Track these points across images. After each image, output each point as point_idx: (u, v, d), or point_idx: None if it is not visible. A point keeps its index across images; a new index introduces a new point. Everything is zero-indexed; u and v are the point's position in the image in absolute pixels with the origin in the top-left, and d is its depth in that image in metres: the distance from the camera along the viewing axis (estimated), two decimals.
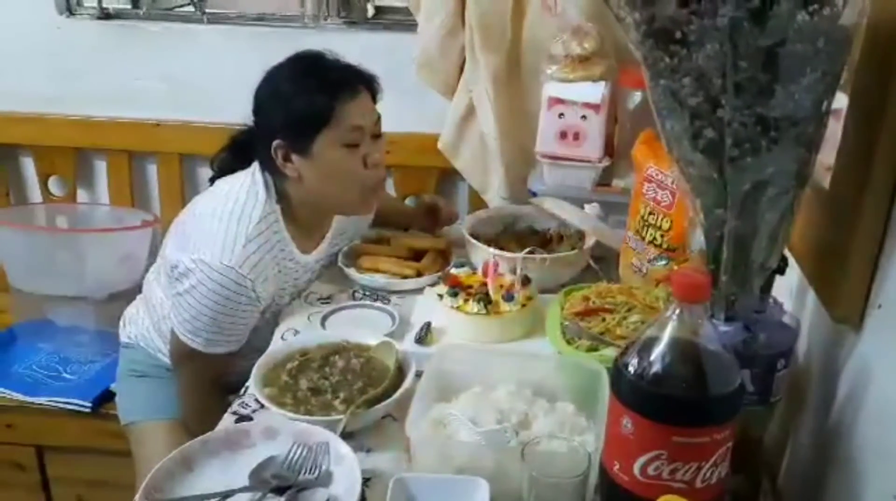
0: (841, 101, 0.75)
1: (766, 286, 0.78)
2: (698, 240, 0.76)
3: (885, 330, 0.70)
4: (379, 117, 1.33)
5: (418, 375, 1.00)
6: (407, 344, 1.15)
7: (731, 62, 0.60)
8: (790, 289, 0.92)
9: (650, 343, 0.69)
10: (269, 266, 1.27)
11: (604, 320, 1.13)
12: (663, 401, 0.67)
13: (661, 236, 1.22)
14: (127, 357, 1.51)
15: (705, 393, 0.67)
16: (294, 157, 1.28)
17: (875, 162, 0.67)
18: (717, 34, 0.59)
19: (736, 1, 0.58)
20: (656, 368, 0.68)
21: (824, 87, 0.64)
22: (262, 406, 0.99)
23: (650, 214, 1.24)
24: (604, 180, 1.61)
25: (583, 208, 1.52)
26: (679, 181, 0.72)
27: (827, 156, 0.80)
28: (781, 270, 0.77)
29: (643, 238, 1.26)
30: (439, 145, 1.93)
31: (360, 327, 1.19)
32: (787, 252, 0.85)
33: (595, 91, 1.56)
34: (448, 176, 2.07)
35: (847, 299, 0.73)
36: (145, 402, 1.46)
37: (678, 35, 0.62)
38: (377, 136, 1.32)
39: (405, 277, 1.37)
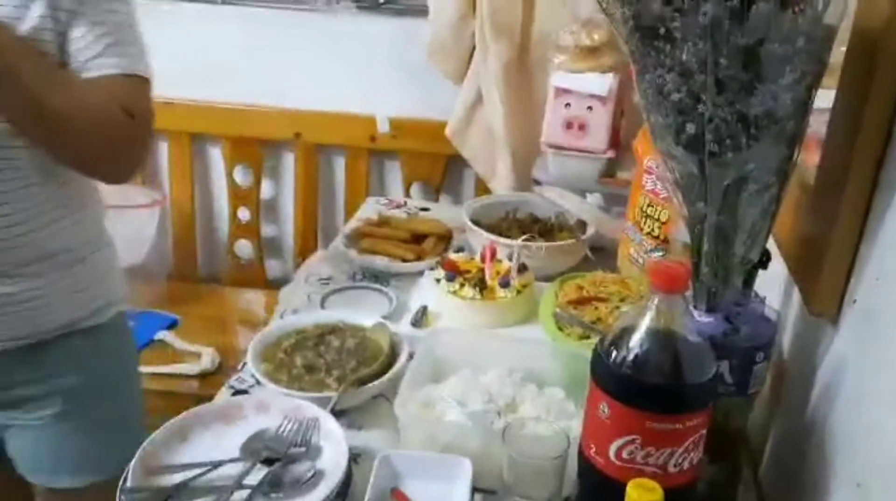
0: (828, 98, 0.77)
1: (749, 280, 0.79)
2: (682, 232, 0.77)
3: (860, 325, 0.71)
4: None
5: (412, 357, 1.02)
6: (403, 327, 1.17)
7: (713, 59, 0.61)
8: (778, 284, 0.93)
9: (629, 331, 0.71)
10: None
11: (596, 309, 1.15)
12: (638, 387, 0.69)
13: (659, 227, 1.23)
14: None
15: (679, 381, 0.69)
16: None
17: (854, 160, 0.69)
18: (699, 31, 0.61)
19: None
20: (633, 355, 0.70)
21: (805, 85, 0.65)
22: (259, 382, 1.02)
23: (649, 205, 1.25)
24: (609, 172, 1.63)
25: (585, 197, 1.54)
26: (663, 174, 0.74)
27: (815, 153, 0.81)
28: (764, 264, 0.79)
29: (641, 229, 1.27)
30: (447, 133, 1.95)
31: (358, 308, 1.22)
32: (774, 247, 0.87)
33: (602, 83, 1.57)
34: (455, 163, 2.09)
35: (824, 293, 0.74)
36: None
37: (663, 31, 0.64)
38: None
39: (405, 260, 1.39)
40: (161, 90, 2.23)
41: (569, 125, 1.59)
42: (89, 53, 1.01)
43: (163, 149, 2.16)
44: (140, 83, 1.07)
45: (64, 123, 0.98)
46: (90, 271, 1.16)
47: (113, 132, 1.03)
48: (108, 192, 2.07)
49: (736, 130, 0.65)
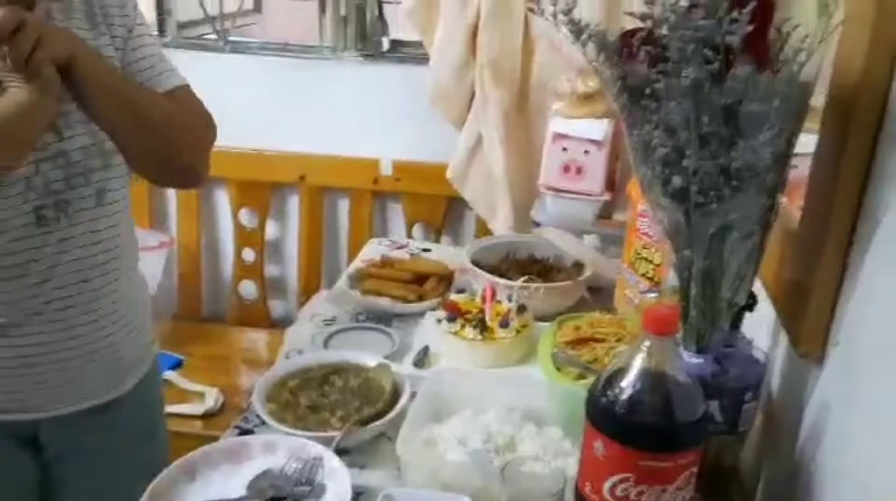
0: (813, 143, 0.81)
1: (737, 322, 0.83)
2: (672, 277, 0.81)
3: (843, 366, 0.74)
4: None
5: (414, 396, 1.05)
6: (405, 367, 1.20)
7: (695, 117, 0.66)
8: (767, 325, 0.96)
9: (622, 372, 0.75)
10: None
11: (593, 349, 1.18)
12: (631, 427, 0.72)
13: (653, 269, 1.27)
14: None
15: (671, 421, 0.72)
16: None
17: (834, 208, 0.73)
18: (682, 92, 0.65)
19: (698, 63, 0.64)
20: (627, 395, 0.73)
21: (783, 139, 0.69)
22: (264, 422, 1.05)
23: (644, 247, 1.29)
24: (605, 213, 1.67)
25: (582, 239, 1.58)
26: (653, 222, 0.78)
27: (799, 196, 0.85)
28: (750, 307, 0.82)
29: (636, 271, 1.31)
30: (448, 175, 2.00)
31: (362, 348, 1.25)
32: (762, 290, 0.91)
33: (598, 128, 1.63)
34: (456, 204, 2.14)
35: (809, 335, 0.77)
36: None
37: (649, 91, 0.68)
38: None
39: (407, 301, 1.43)
40: None
41: (566, 169, 1.64)
42: (152, 72, 1.11)
43: (171, 192, 2.21)
44: (192, 91, 1.17)
45: (158, 130, 1.07)
46: (141, 307, 1.22)
47: (197, 136, 1.14)
48: None
49: (719, 183, 0.69)
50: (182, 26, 2.25)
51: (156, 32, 2.19)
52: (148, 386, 1.24)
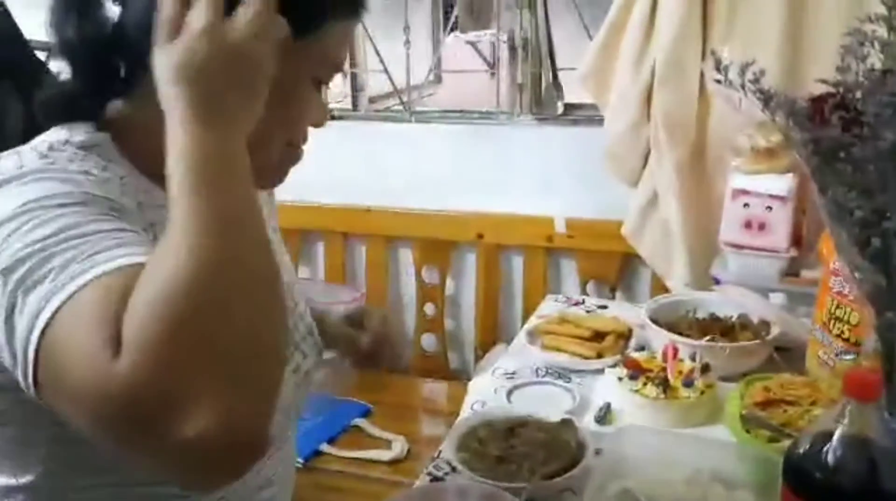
0: None
1: None
2: (873, 339, 0.79)
3: None
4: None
5: (597, 453, 1.07)
6: (587, 423, 1.23)
7: (894, 180, 0.65)
8: None
9: (822, 436, 0.73)
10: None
11: (786, 411, 1.14)
12: (835, 494, 0.71)
13: (849, 329, 1.22)
14: None
15: (876, 488, 0.70)
16: None
17: None
18: (880, 155, 0.66)
19: None
20: (828, 461, 0.72)
21: None
22: (454, 470, 1.11)
23: (837, 307, 1.24)
24: (792, 271, 1.62)
25: (768, 298, 1.54)
26: (850, 283, 0.77)
27: None
28: None
29: (830, 331, 1.25)
30: (623, 231, 2.02)
31: (543, 402, 1.29)
32: None
33: (781, 183, 1.60)
34: (631, 261, 2.14)
35: None
36: None
37: (843, 155, 0.69)
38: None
39: (586, 357, 1.45)
40: (359, 199, 2.50)
41: (748, 225, 1.62)
42: None
43: (361, 251, 2.40)
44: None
45: None
46: None
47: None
48: (318, 290, 2.31)
49: None
50: (372, 100, 2.47)
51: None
52: None
